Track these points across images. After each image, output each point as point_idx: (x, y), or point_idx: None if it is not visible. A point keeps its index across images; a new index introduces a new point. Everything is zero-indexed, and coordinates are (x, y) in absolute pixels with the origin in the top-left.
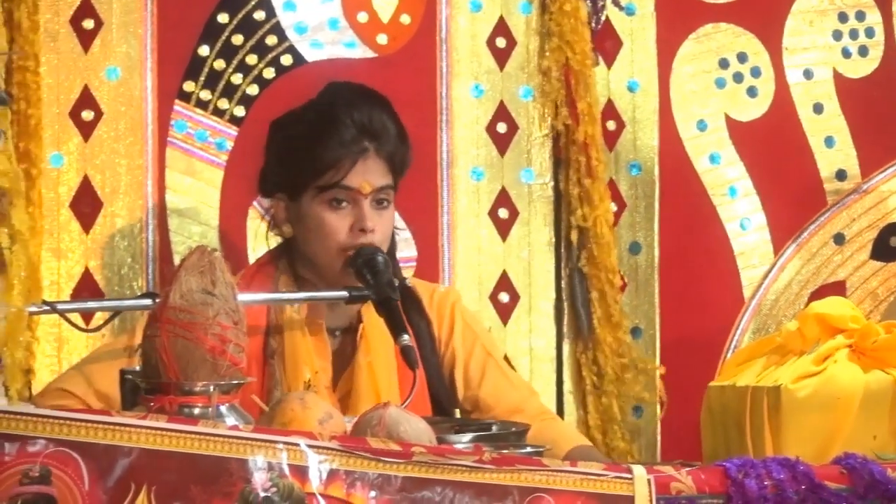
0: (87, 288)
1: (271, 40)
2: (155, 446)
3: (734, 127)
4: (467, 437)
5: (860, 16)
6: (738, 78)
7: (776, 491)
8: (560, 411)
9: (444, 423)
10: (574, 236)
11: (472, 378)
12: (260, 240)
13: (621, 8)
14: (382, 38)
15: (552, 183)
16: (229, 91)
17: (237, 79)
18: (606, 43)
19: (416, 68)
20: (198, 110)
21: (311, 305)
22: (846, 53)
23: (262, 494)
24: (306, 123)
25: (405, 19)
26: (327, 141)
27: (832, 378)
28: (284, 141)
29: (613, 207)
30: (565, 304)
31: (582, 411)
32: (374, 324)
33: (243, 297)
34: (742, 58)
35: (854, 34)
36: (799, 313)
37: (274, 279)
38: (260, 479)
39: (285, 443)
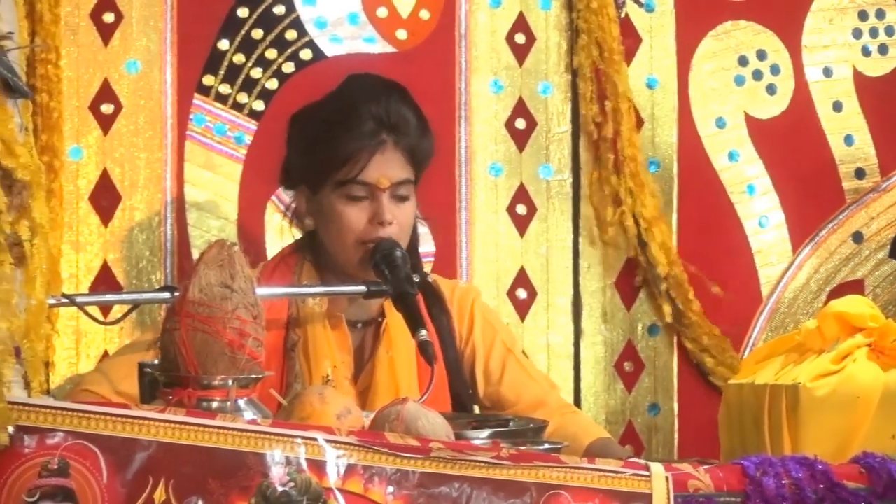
0: (105, 281)
1: (291, 35)
2: (173, 440)
3: (753, 124)
4: (485, 433)
5: (880, 14)
6: (757, 75)
7: (794, 490)
8: (577, 408)
9: (461, 418)
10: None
11: (492, 374)
12: (278, 233)
13: (641, 5)
14: (402, 34)
15: (570, 179)
16: (249, 85)
17: (257, 73)
18: (626, 40)
19: (436, 64)
20: (217, 104)
21: (331, 298)
22: (866, 52)
23: (280, 489)
24: (325, 116)
25: (424, 15)
26: (345, 134)
27: (851, 377)
28: (304, 134)
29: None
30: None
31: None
32: (396, 319)
33: (262, 290)
34: (761, 55)
35: (874, 32)
36: (818, 312)
37: (296, 270)
38: (278, 473)
39: (303, 437)
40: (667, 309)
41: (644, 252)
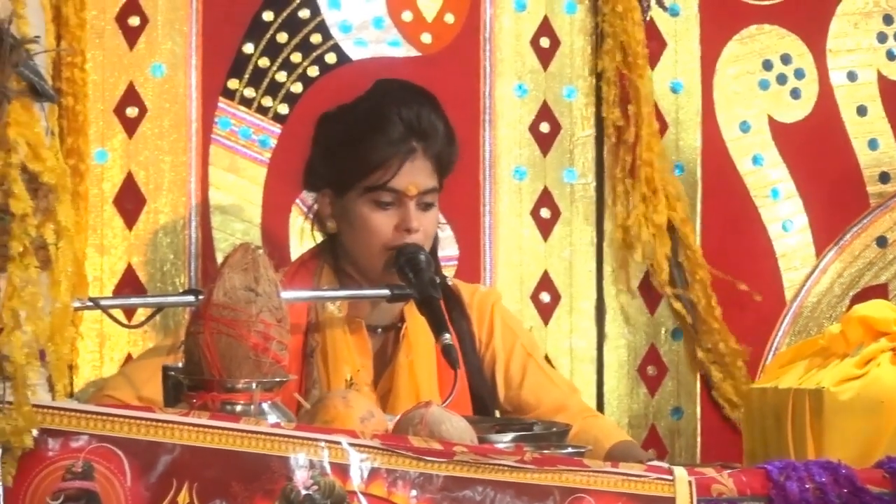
0: (129, 284)
1: (316, 38)
2: (197, 443)
3: (777, 128)
4: (508, 436)
5: None
6: (781, 79)
7: (818, 494)
8: (600, 412)
9: (485, 422)
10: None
11: (512, 378)
12: (303, 237)
13: (665, 9)
14: (426, 37)
15: (594, 183)
16: (273, 89)
17: (281, 77)
18: (651, 44)
19: (460, 67)
20: (242, 108)
21: (351, 303)
22: (890, 55)
23: (304, 492)
24: (355, 120)
25: (449, 18)
26: (375, 140)
27: (875, 381)
28: (333, 136)
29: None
30: (671, 298)
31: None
32: (416, 324)
33: (286, 294)
34: (786, 59)
35: None
36: (842, 316)
37: (316, 275)
38: (301, 476)
39: (327, 441)
40: (680, 310)
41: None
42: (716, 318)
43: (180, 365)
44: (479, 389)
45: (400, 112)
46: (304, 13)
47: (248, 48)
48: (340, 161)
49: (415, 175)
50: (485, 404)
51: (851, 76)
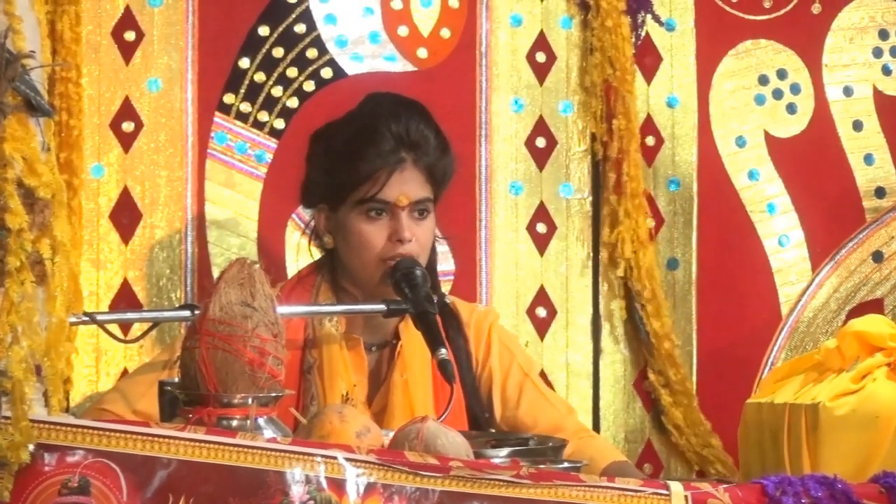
0: (125, 299)
1: (312, 53)
2: (193, 458)
3: (773, 143)
4: (504, 451)
5: None
6: (777, 94)
7: None
8: (596, 427)
9: (481, 437)
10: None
11: (509, 398)
12: (299, 252)
13: (661, 24)
14: (422, 52)
15: (591, 198)
16: (269, 104)
17: (277, 91)
18: (646, 59)
19: (456, 82)
20: (238, 122)
21: (349, 320)
22: (886, 70)
23: None
24: (345, 135)
25: (445, 33)
26: (365, 153)
27: (871, 396)
28: (324, 152)
29: (650, 223)
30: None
31: (665, 428)
32: (411, 341)
33: (282, 309)
34: (782, 74)
35: (894, 51)
36: (838, 331)
37: (314, 291)
38: (298, 491)
39: (323, 456)
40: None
41: (632, 275)
42: (666, 347)
43: (176, 380)
44: (475, 406)
45: (389, 124)
46: (300, 28)
47: (244, 63)
48: (333, 175)
49: (404, 185)
50: (479, 422)
51: (847, 91)
